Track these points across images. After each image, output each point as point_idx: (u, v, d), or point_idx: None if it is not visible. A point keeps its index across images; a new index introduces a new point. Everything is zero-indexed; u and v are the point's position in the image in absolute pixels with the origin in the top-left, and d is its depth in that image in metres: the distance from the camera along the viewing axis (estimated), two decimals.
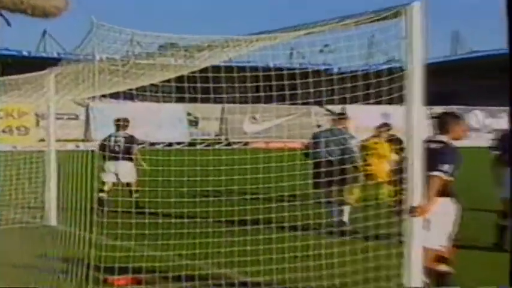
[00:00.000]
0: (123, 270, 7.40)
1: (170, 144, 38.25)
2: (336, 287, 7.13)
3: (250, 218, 8.74)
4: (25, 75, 12.64)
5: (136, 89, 9.62)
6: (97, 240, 7.33)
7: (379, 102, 7.44)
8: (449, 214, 6.69)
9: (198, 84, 8.28)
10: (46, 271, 7.79)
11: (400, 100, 6.19)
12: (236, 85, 8.34)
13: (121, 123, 14.36)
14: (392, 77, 6.60)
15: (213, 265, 7.79)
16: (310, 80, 7.77)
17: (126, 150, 13.64)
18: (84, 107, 41.64)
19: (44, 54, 54.54)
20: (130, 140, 14.09)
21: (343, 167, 10.45)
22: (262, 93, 8.59)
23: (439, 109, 25.28)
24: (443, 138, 6.81)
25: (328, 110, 40.84)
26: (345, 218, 11.29)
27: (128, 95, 10.10)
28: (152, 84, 9.85)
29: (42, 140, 14.77)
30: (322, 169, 10.28)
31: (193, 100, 9.22)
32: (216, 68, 8.46)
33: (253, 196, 9.65)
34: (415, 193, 6.13)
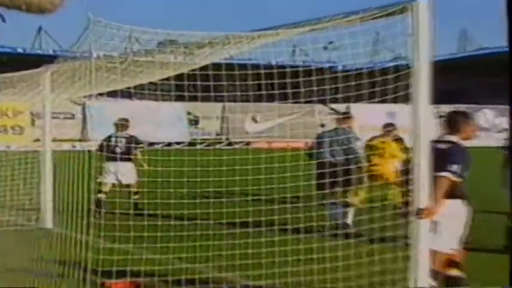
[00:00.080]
0: (121, 274, 7.39)
1: (169, 144, 38.28)
2: None
3: (252, 220, 8.73)
4: (20, 73, 12.65)
5: (135, 87, 9.64)
6: (94, 243, 7.34)
7: (384, 101, 7.45)
8: (459, 216, 6.67)
9: (198, 82, 8.28)
10: (42, 275, 7.79)
11: (406, 99, 6.19)
12: (237, 83, 8.34)
13: (121, 124, 14.39)
14: (398, 74, 6.60)
15: (213, 269, 7.79)
16: (314, 78, 7.78)
17: (127, 150, 13.68)
18: (80, 106, 41.69)
19: (39, 52, 54.51)
20: (132, 140, 14.11)
21: (347, 167, 10.46)
22: (264, 92, 8.60)
23: (446, 108, 25.27)
24: (453, 138, 6.78)
25: (332, 109, 40.86)
26: (349, 220, 11.30)
27: (126, 94, 10.13)
28: (151, 83, 9.86)
29: (38, 140, 14.80)
30: (326, 170, 10.28)
31: (193, 99, 9.22)
32: (217, 66, 8.47)
33: (255, 197, 9.66)
34: (422, 194, 6.12)
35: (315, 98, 8.17)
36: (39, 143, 13.35)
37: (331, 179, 9.87)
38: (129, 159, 13.87)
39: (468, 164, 6.66)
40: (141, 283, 7.41)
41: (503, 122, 48.29)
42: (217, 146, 38.63)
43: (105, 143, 13.97)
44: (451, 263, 6.76)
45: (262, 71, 8.08)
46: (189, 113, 44.72)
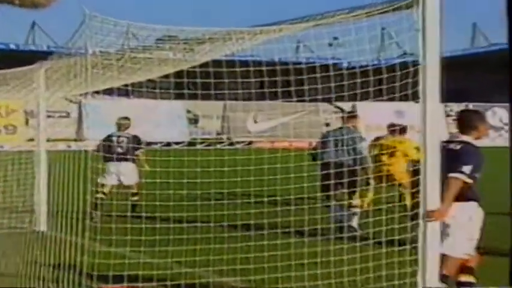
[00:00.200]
0: (118, 279, 7.39)
1: (168, 144, 38.34)
2: None
3: (254, 223, 8.73)
4: (13, 70, 12.65)
5: (132, 85, 9.63)
6: (90, 247, 7.33)
7: (392, 99, 7.43)
8: (473, 219, 6.63)
9: (198, 80, 8.28)
10: (35, 279, 7.79)
11: (414, 96, 6.17)
12: (239, 81, 8.33)
13: (123, 123, 14.37)
14: (406, 71, 6.58)
15: (214, 273, 7.79)
16: (318, 75, 7.76)
17: (129, 150, 13.67)
18: (76, 104, 41.76)
19: (33, 48, 54.71)
20: (134, 140, 14.10)
21: (352, 168, 10.45)
22: (266, 90, 8.58)
23: (454, 106, 25.28)
24: (467, 138, 6.74)
25: (337, 107, 40.90)
26: (354, 223, 11.30)
27: (123, 91, 10.12)
28: (149, 80, 9.86)
29: (32, 140, 14.80)
30: (331, 171, 10.27)
31: (193, 97, 9.22)
32: (218, 63, 8.46)
33: (258, 199, 9.63)
34: (432, 196, 6.09)
35: (320, 96, 8.14)
36: (33, 143, 13.35)
37: (336, 181, 9.86)
38: (131, 160, 13.86)
39: (481, 165, 6.63)
40: None
41: None
42: (218, 146, 38.70)
43: (106, 143, 13.95)
44: (464, 268, 6.72)
45: (264, 68, 8.06)
46: (188, 112, 44.81)
